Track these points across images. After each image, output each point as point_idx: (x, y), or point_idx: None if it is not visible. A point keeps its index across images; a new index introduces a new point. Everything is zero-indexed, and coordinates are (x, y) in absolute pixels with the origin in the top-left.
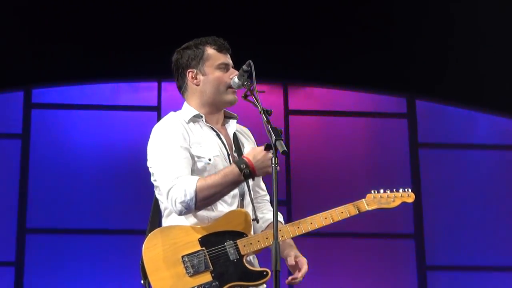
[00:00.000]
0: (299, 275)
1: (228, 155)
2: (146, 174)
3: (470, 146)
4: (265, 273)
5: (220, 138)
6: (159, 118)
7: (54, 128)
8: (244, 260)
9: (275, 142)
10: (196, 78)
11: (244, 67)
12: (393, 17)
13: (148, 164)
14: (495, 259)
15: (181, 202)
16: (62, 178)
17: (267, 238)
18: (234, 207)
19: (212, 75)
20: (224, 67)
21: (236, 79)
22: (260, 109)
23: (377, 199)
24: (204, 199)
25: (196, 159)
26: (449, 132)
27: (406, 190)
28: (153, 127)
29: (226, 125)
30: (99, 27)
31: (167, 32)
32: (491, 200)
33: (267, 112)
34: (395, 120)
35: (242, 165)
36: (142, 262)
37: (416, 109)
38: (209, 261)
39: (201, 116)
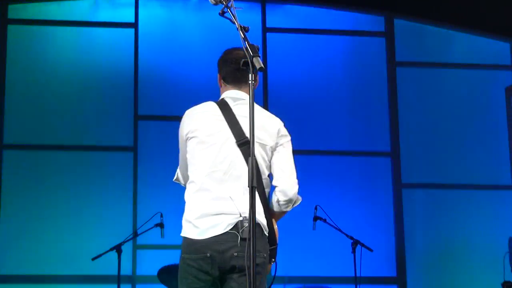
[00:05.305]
0: None
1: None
2: (124, 90)
3: (448, 65)
4: None
5: None
6: (136, 34)
7: (31, 44)
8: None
9: (252, 58)
10: None
11: None
12: None
13: None
14: (470, 177)
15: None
16: (40, 95)
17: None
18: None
19: None
20: None
21: None
22: (237, 26)
23: None
24: None
25: None
26: (427, 51)
27: None
28: (130, 43)
29: None
30: None
31: None
32: (467, 119)
33: (244, 29)
34: (374, 38)
35: None
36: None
37: (394, 28)
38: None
39: None
